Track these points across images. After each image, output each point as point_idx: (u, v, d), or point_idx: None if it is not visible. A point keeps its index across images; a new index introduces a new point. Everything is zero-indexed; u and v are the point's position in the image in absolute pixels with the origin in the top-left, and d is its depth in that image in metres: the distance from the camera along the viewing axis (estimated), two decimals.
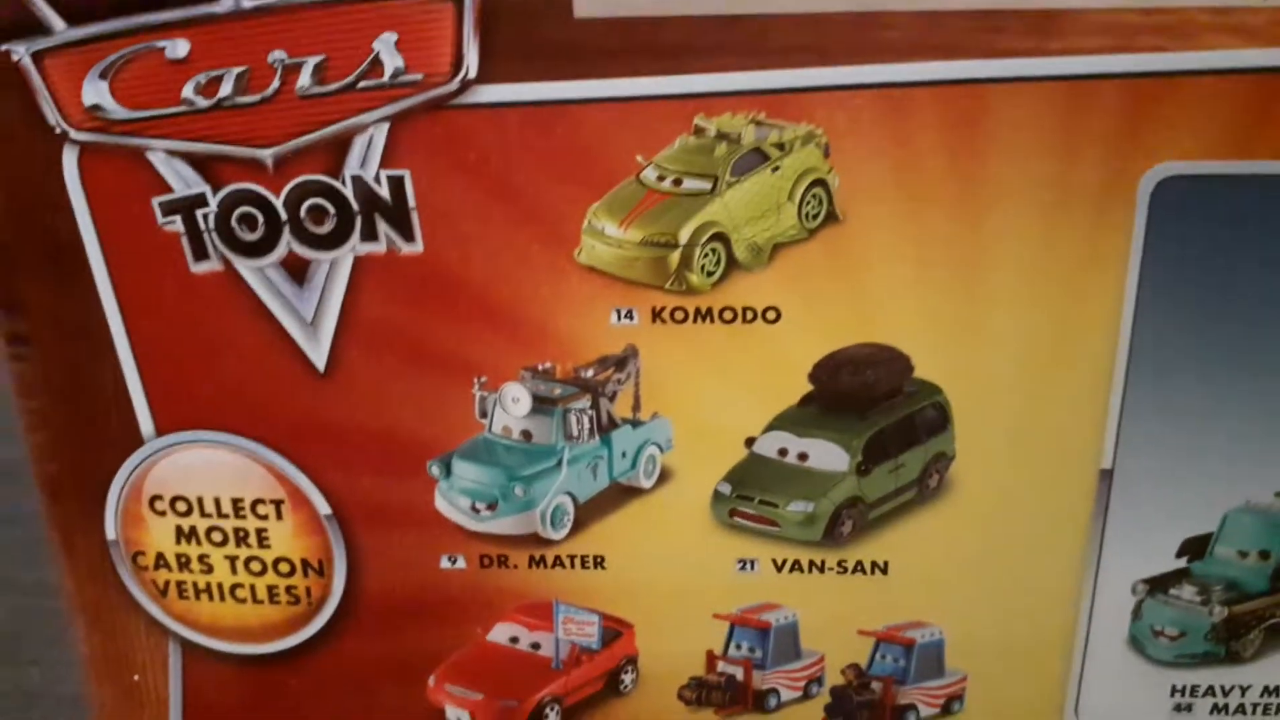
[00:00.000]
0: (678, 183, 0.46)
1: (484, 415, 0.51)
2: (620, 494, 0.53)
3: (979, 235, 0.46)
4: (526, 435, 0.52)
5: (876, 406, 0.51)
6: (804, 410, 0.50)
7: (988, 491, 0.51)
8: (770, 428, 0.50)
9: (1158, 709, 0.56)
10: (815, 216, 0.45)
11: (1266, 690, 0.55)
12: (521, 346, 0.50)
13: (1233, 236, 0.46)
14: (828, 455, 0.52)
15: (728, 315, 0.48)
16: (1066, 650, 0.55)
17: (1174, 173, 0.45)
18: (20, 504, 0.56)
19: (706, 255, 0.46)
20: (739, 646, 0.56)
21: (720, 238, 0.46)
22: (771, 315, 0.48)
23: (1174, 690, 0.56)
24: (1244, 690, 0.55)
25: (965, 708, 0.56)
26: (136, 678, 0.59)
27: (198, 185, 0.47)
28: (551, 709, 0.58)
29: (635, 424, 0.51)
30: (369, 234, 0.47)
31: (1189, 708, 0.56)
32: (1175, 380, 0.49)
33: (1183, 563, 0.53)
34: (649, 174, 0.46)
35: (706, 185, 0.46)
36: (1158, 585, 0.53)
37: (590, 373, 0.50)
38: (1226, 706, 0.56)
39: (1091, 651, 0.55)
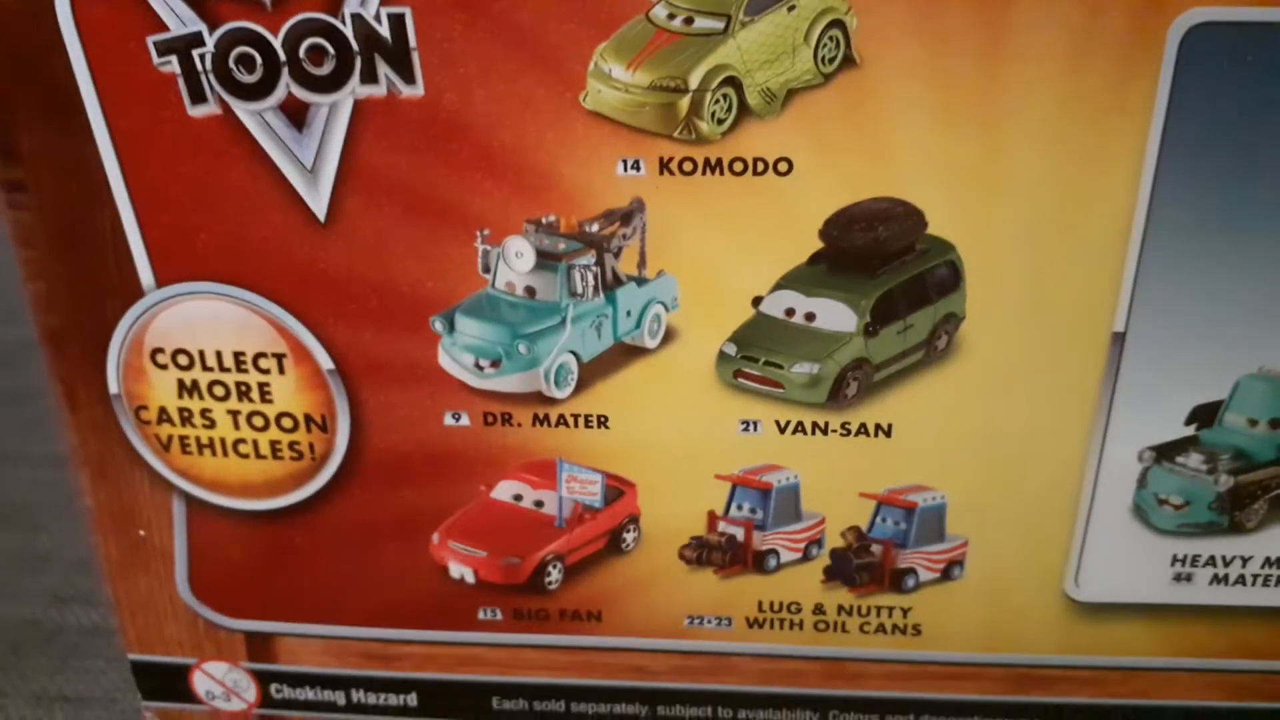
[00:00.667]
0: (689, 21, 0.43)
1: (487, 270, 0.48)
2: (624, 353, 0.51)
3: (1000, 84, 0.43)
4: (530, 291, 0.50)
5: (887, 265, 0.48)
6: (813, 268, 0.47)
7: (997, 354, 0.49)
8: (778, 286, 0.48)
9: (1158, 578, 0.54)
10: (831, 60, 0.42)
11: (1268, 561, 0.53)
12: (525, 197, 0.47)
13: (1264, 91, 0.43)
14: (835, 315, 0.49)
15: (738, 166, 0.45)
16: (1069, 517, 0.53)
17: (1204, 19, 0.42)
18: (32, 383, 0.53)
19: (717, 101, 0.43)
20: (740, 507, 0.54)
21: (732, 82, 0.43)
22: (783, 167, 0.45)
23: (1175, 560, 0.54)
24: (1245, 561, 0.54)
25: (965, 574, 0.55)
26: (142, 533, 0.58)
27: (194, 23, 0.44)
28: (554, 566, 0.56)
29: (640, 281, 0.49)
30: (369, 76, 0.44)
31: (1189, 578, 0.54)
32: (1194, 242, 0.46)
33: (1191, 430, 0.51)
34: (659, 11, 0.42)
35: (719, 25, 0.43)
36: (1164, 453, 0.51)
37: (595, 227, 0.47)
38: (1227, 577, 0.54)
39: (1094, 519, 0.53)
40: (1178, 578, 0.54)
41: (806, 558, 0.55)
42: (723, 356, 0.50)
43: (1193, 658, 0.56)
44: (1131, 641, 0.56)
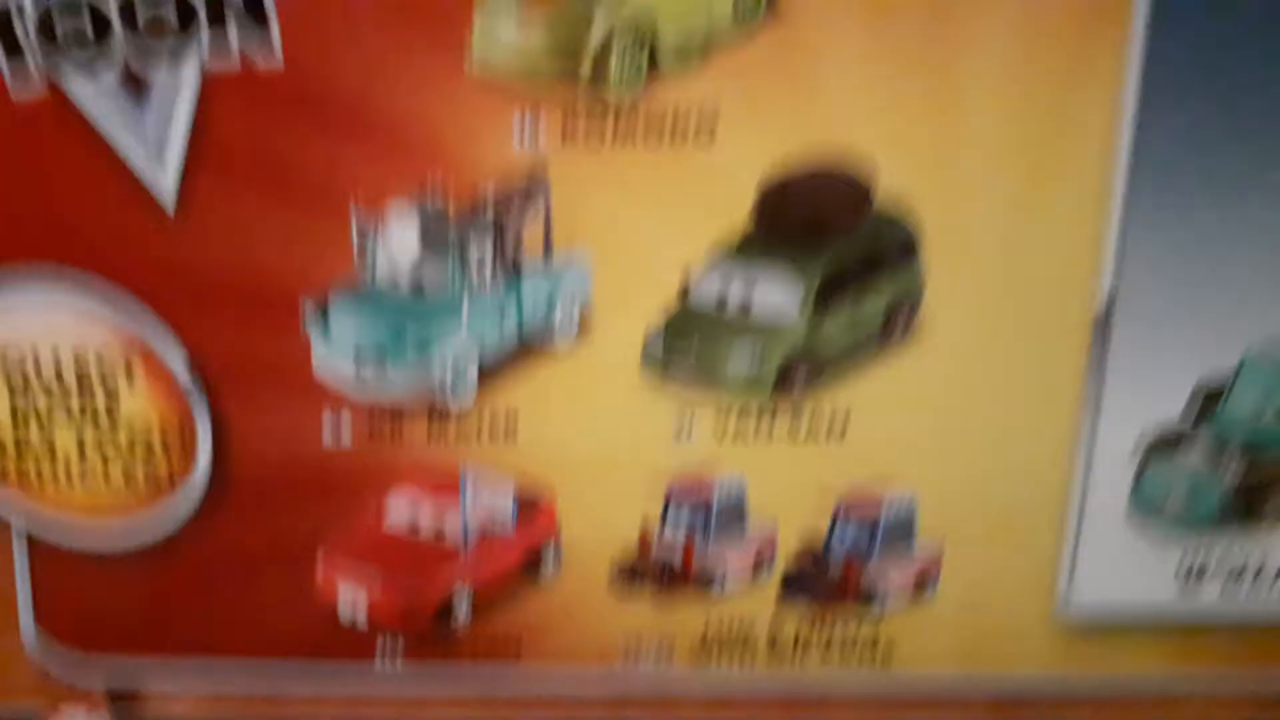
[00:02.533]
0: None
1: (365, 257, 0.50)
2: (531, 352, 0.52)
3: (953, 26, 0.44)
4: (417, 282, 0.51)
5: (832, 240, 0.50)
6: (747, 246, 0.49)
7: (963, 336, 0.51)
8: (709, 268, 0.49)
9: (1162, 587, 0.56)
10: (755, 6, 0.44)
11: None
12: (407, 175, 0.49)
13: (1250, 26, 0.45)
14: (774, 301, 0.51)
15: (653, 134, 0.46)
16: (1058, 522, 0.55)
17: None
18: None
19: (626, 58, 0.45)
20: (677, 523, 0.56)
21: (641, 35, 0.44)
22: (706, 133, 0.46)
23: (1180, 565, 0.56)
24: (1261, 562, 0.56)
25: (940, 589, 0.57)
26: None
27: None
28: (459, 600, 0.58)
29: (548, 267, 0.50)
30: (218, 43, 0.45)
31: (1198, 584, 0.56)
32: (1183, 199, 0.48)
33: (1192, 417, 0.53)
34: None
35: None
36: (1163, 444, 0.53)
37: (491, 206, 0.48)
38: (1241, 580, 0.56)
39: (1087, 523, 0.55)
40: (1185, 585, 0.56)
41: (757, 576, 0.57)
42: (648, 352, 0.51)
43: (1206, 677, 0.58)
44: (1134, 661, 0.58)
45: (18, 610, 0.59)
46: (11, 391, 0.53)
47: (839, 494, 0.55)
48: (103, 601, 0.59)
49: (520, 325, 0.52)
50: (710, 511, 0.55)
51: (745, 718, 0.60)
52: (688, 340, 0.51)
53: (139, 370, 0.53)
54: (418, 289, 0.51)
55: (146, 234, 0.50)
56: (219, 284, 0.51)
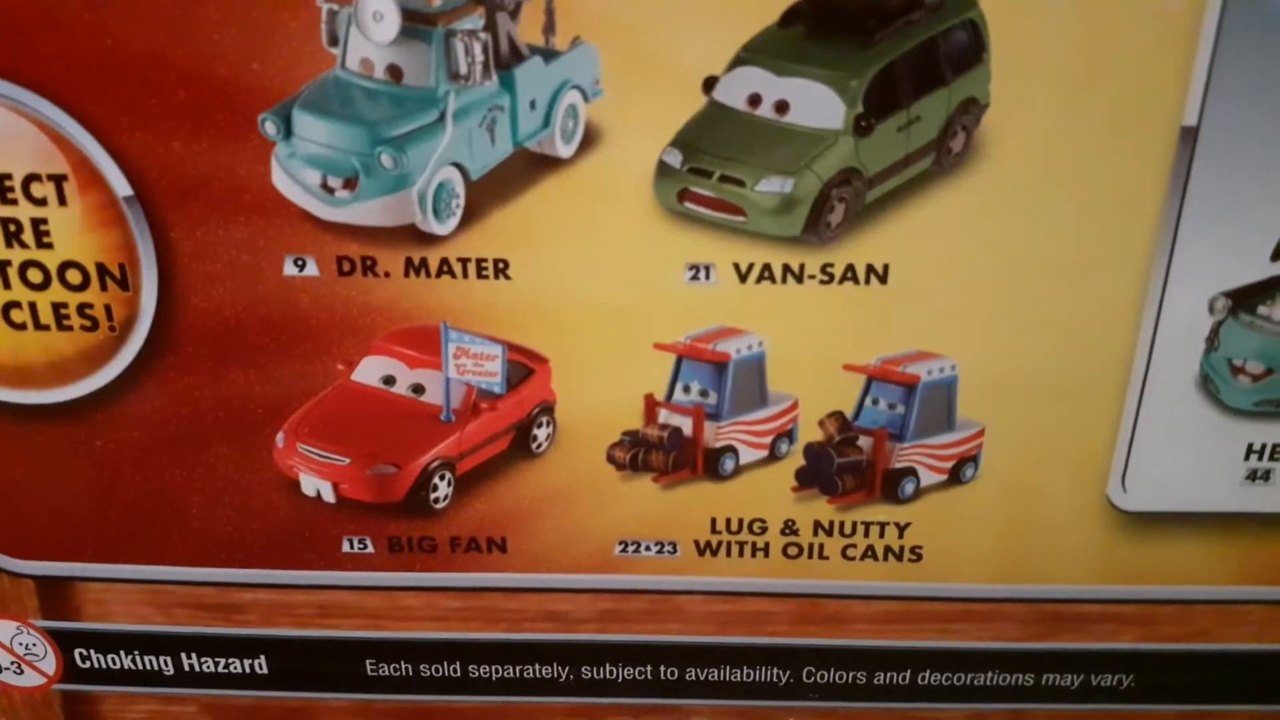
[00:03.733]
0: None
1: (334, 42, 0.36)
2: (528, 165, 0.39)
3: None
4: (394, 73, 0.38)
5: (885, 29, 0.37)
6: (786, 35, 0.36)
7: (1030, 157, 0.38)
8: (738, 61, 0.36)
9: (1227, 475, 0.43)
10: None
11: None
12: None
13: None
14: (816, 103, 0.38)
15: None
16: (1117, 394, 0.42)
17: None
18: None
19: None
20: (687, 389, 0.42)
21: None
22: None
23: (1250, 451, 0.43)
24: None
25: (980, 474, 0.43)
26: None
27: None
28: (441, 476, 0.44)
29: (549, 55, 0.37)
30: None
31: (1266, 475, 0.43)
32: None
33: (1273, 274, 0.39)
34: None
35: None
36: (1244, 300, 0.40)
37: None
38: None
39: (1149, 396, 0.42)
40: (1253, 475, 0.43)
41: (774, 456, 0.43)
42: (663, 169, 0.38)
43: (1271, 586, 0.44)
44: (1192, 566, 0.45)
45: None
46: None
47: (873, 358, 0.41)
48: (31, 486, 0.45)
49: (515, 131, 0.38)
50: (725, 376, 0.41)
51: (752, 621, 0.46)
52: (710, 153, 0.37)
53: (72, 187, 0.39)
54: (395, 80, 0.37)
55: (79, 13, 0.36)
56: (163, 76, 0.37)
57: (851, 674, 0.48)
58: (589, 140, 0.38)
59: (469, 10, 0.37)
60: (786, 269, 0.40)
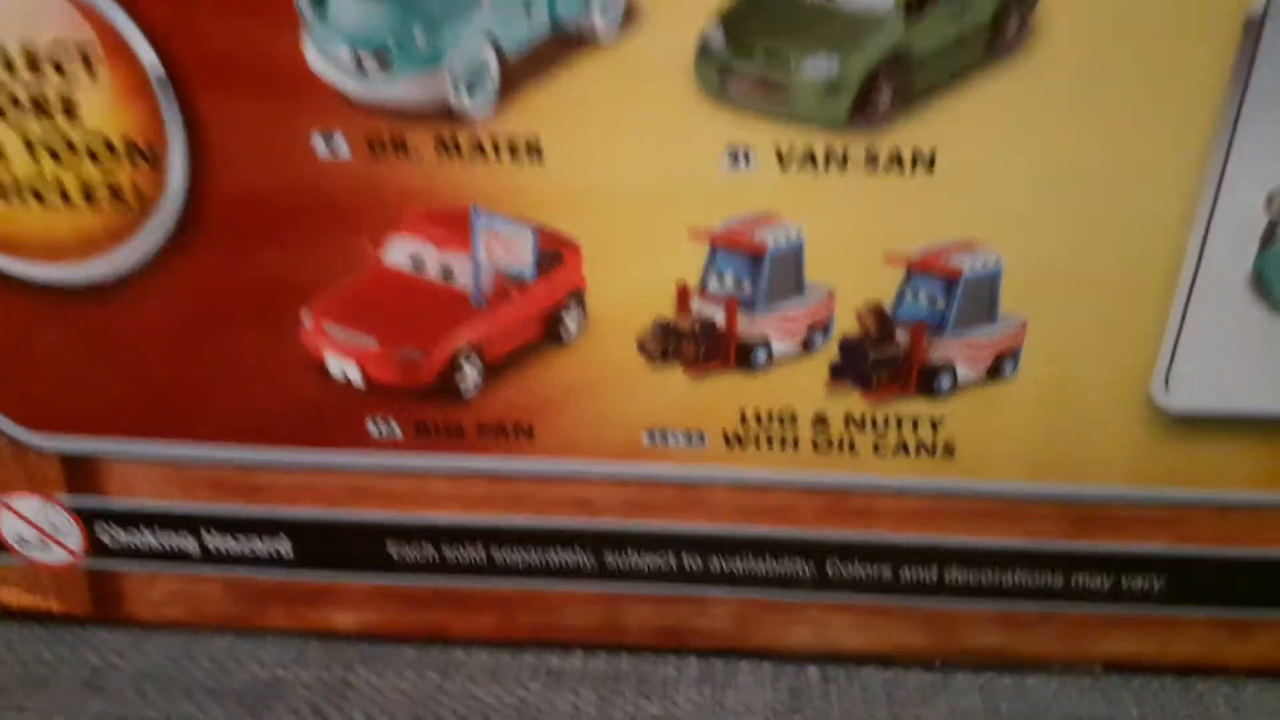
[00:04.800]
0: None
1: None
2: (564, 44, 0.38)
3: None
4: None
5: None
6: None
7: (1086, 45, 0.36)
8: None
9: (1275, 378, 0.42)
10: None
11: None
12: None
13: None
14: None
15: None
16: (1165, 292, 0.41)
17: None
18: None
19: None
20: (721, 278, 0.41)
21: None
22: None
23: None
24: None
25: (1019, 371, 0.42)
26: None
27: None
28: (469, 361, 0.43)
29: None
30: None
31: None
32: None
33: None
34: None
35: None
36: None
37: None
38: None
39: (1198, 293, 0.41)
40: None
41: (807, 349, 0.43)
42: (705, 49, 0.37)
43: None
44: (1230, 469, 0.44)
45: None
46: None
47: (915, 247, 0.40)
48: (58, 363, 0.44)
49: (551, 5, 0.37)
50: (761, 265, 0.41)
51: (780, 513, 0.46)
52: (755, 29, 0.36)
53: (100, 60, 0.38)
54: None
55: None
56: None
57: (876, 568, 0.48)
58: (628, 17, 0.37)
59: None
60: (829, 154, 0.39)
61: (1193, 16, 0.36)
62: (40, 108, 0.40)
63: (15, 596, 0.52)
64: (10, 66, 0.39)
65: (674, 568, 0.48)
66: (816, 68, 0.37)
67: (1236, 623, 0.48)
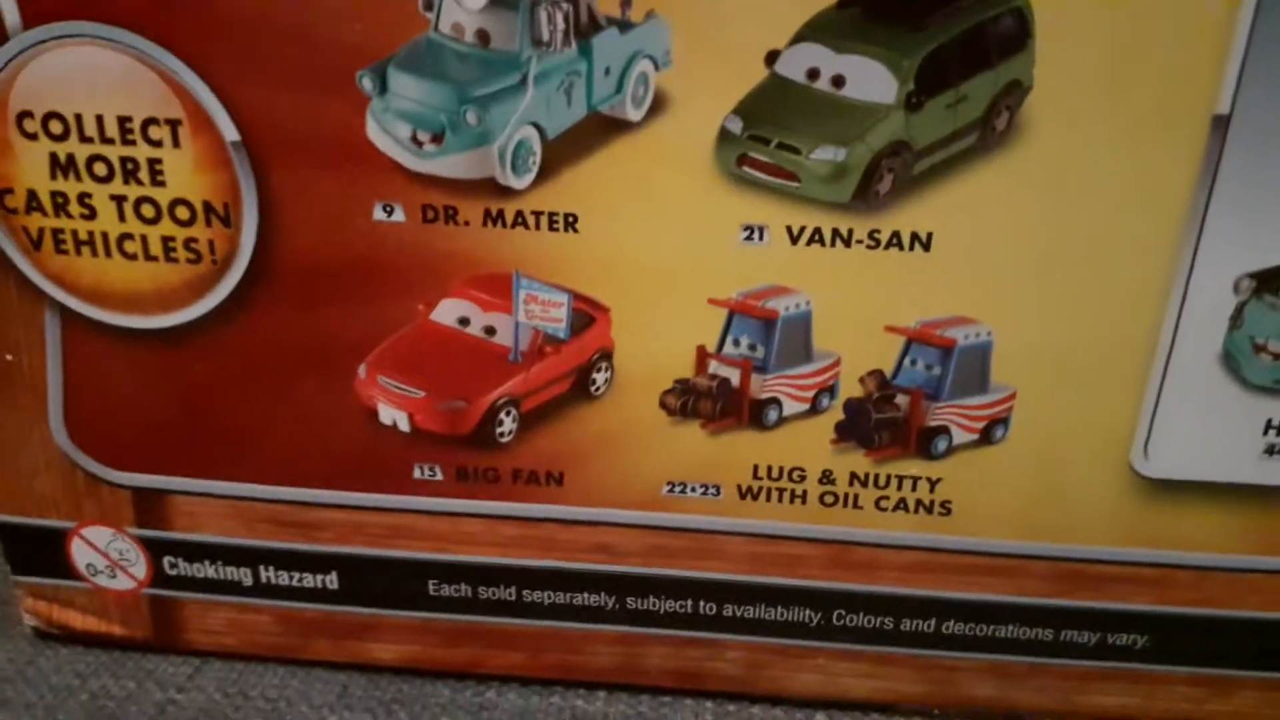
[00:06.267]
0: None
1: (430, 7, 0.40)
2: (600, 128, 0.42)
3: None
4: (483, 37, 0.41)
5: (938, 12, 0.39)
6: (844, 15, 0.39)
7: (1069, 138, 0.40)
8: (799, 38, 0.39)
9: (1245, 449, 0.45)
10: None
11: None
12: None
13: None
14: (870, 79, 0.40)
15: None
16: (1143, 366, 0.44)
17: None
18: None
19: None
20: (737, 342, 0.45)
21: None
22: None
23: (1268, 426, 0.45)
24: None
25: (1009, 435, 0.46)
26: (9, 357, 0.49)
27: None
28: (507, 412, 0.47)
29: (624, 27, 0.40)
30: None
31: None
32: None
33: None
34: None
35: None
36: (1267, 282, 0.43)
37: None
38: None
39: (1173, 369, 0.44)
40: (1270, 450, 0.45)
41: (815, 410, 0.46)
42: (725, 135, 0.41)
43: None
44: (1209, 533, 0.47)
45: (47, 402, 0.49)
46: (51, 139, 0.43)
47: (913, 320, 0.44)
48: (133, 404, 0.49)
49: (590, 95, 0.41)
50: (773, 332, 0.45)
51: (789, 563, 0.50)
52: (769, 122, 0.40)
53: (185, 130, 0.43)
54: (482, 44, 0.41)
55: None
56: (274, 33, 0.41)
57: (879, 619, 0.51)
58: (657, 106, 0.41)
59: None
60: (835, 233, 0.43)
61: (1165, 114, 0.40)
62: (131, 173, 0.44)
63: (80, 620, 0.55)
64: (108, 137, 0.44)
65: (690, 612, 0.52)
66: (825, 155, 0.41)
67: (1218, 680, 0.50)
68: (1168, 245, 0.41)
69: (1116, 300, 0.43)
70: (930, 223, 0.42)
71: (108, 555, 0.53)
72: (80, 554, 0.53)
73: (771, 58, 0.39)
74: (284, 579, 0.53)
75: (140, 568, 0.53)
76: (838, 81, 0.40)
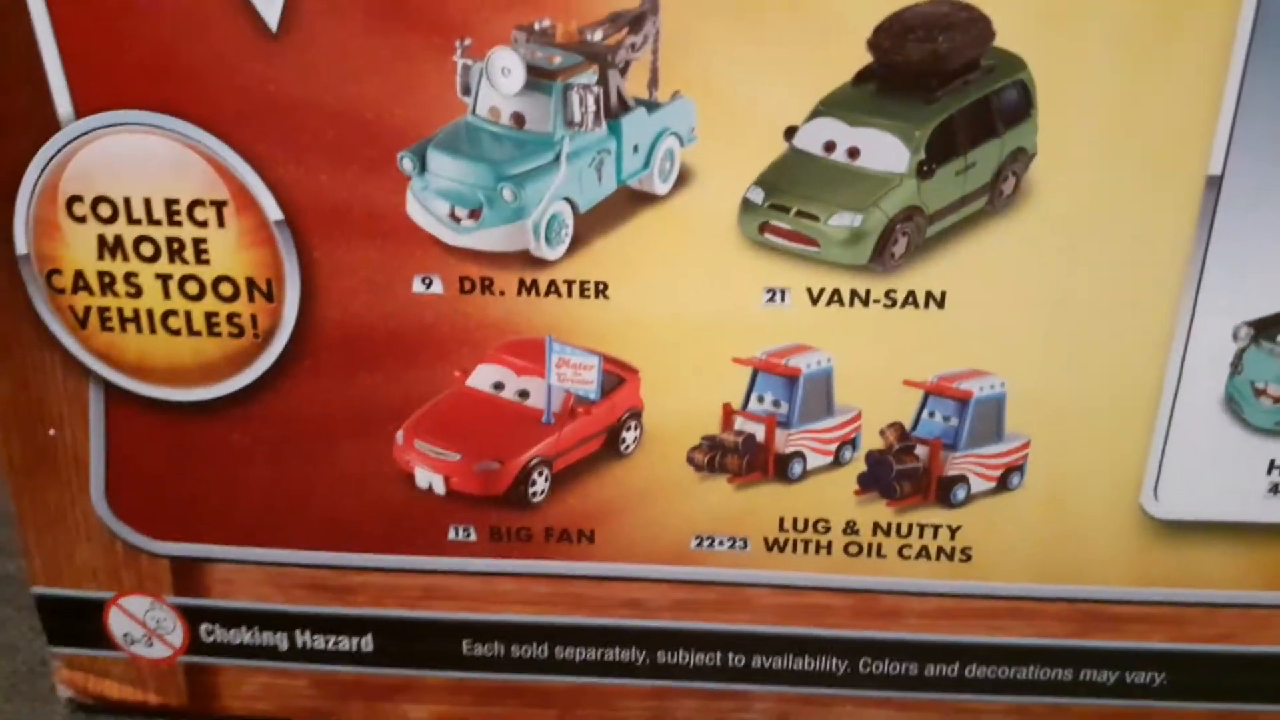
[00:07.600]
0: None
1: (467, 91, 0.44)
2: (629, 201, 0.46)
3: None
4: (518, 119, 0.45)
5: (945, 87, 0.44)
6: (859, 90, 0.43)
7: (1072, 200, 0.44)
8: (816, 113, 0.43)
9: (1251, 489, 0.49)
10: None
11: None
12: (516, 5, 0.43)
13: None
14: (884, 150, 0.45)
15: None
16: (1149, 412, 0.48)
17: None
18: None
19: None
20: (761, 399, 0.49)
21: None
22: None
23: (1272, 466, 0.49)
24: None
25: (1025, 483, 0.50)
26: (52, 432, 0.52)
27: None
28: (540, 473, 0.51)
29: (651, 106, 0.44)
30: None
31: None
32: None
33: None
34: None
35: None
36: (1265, 329, 0.47)
37: (598, 35, 0.42)
38: None
39: (1179, 414, 0.48)
40: (1274, 489, 0.49)
41: (838, 462, 0.50)
42: (747, 205, 0.45)
43: None
44: (1220, 571, 0.51)
45: (89, 475, 0.52)
46: (100, 221, 0.47)
47: (930, 375, 0.48)
48: (174, 474, 0.52)
49: (619, 171, 0.45)
50: (796, 389, 0.49)
51: (815, 614, 0.53)
52: (789, 191, 0.44)
53: (230, 210, 0.47)
54: (518, 126, 0.45)
55: (247, 61, 0.44)
56: (316, 116, 0.45)
57: (904, 665, 0.54)
58: (683, 179, 0.45)
59: (585, 67, 0.44)
60: (854, 294, 0.47)
61: (1162, 176, 0.44)
62: (176, 252, 0.48)
63: (116, 690, 0.59)
64: (155, 219, 0.48)
65: (720, 665, 0.55)
66: (842, 221, 0.45)
67: (1237, 715, 0.54)
68: (1169, 298, 0.45)
69: (1122, 350, 0.47)
70: (943, 282, 0.46)
71: (145, 624, 0.56)
72: (118, 624, 0.56)
73: (790, 133, 0.43)
74: (319, 642, 0.56)
75: (177, 636, 0.56)
76: (853, 153, 0.44)
